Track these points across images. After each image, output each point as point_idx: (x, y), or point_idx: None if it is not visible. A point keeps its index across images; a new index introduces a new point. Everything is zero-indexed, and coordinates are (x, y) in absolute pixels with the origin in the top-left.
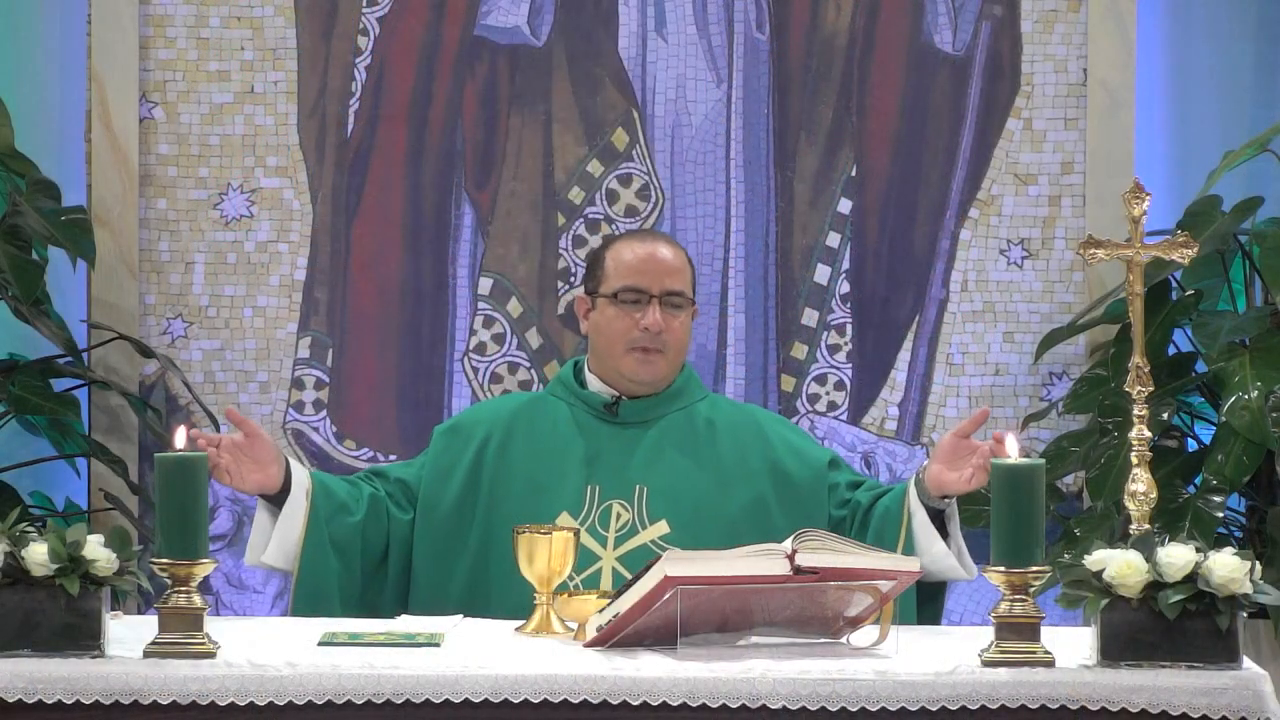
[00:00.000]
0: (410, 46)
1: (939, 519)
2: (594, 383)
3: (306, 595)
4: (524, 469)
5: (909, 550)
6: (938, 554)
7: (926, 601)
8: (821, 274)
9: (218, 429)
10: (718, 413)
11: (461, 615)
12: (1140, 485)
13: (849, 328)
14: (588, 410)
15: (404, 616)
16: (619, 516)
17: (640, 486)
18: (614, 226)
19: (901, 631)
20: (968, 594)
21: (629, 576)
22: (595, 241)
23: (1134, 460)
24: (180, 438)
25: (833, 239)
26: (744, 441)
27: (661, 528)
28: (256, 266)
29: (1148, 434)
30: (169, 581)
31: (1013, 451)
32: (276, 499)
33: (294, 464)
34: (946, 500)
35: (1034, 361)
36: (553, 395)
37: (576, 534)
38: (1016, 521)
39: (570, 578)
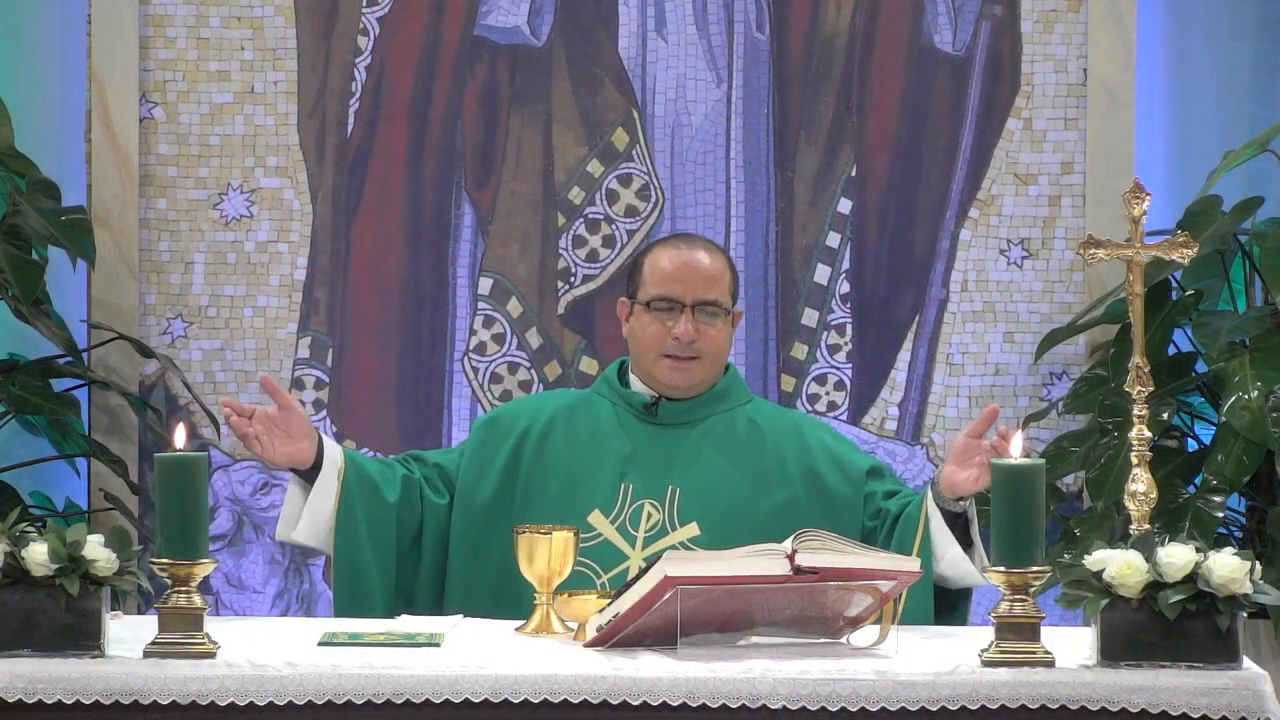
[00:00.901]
0: (410, 46)
1: (961, 523)
2: (635, 383)
3: (344, 576)
4: (562, 464)
5: (925, 555)
6: (954, 558)
7: (946, 611)
8: (821, 274)
9: (218, 429)
10: (760, 416)
11: (462, 615)
12: (1140, 485)
13: (849, 328)
14: (630, 410)
15: (404, 616)
16: (650, 516)
17: (673, 487)
18: (614, 226)
19: (901, 631)
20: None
21: None
22: (595, 241)
23: (1134, 460)
24: (180, 437)
25: (833, 239)
26: (783, 445)
27: (692, 530)
28: (256, 266)
29: (1148, 434)
30: (169, 581)
31: (1016, 450)
32: (308, 475)
33: (327, 441)
34: (963, 502)
35: (1034, 361)
36: (597, 394)
37: (576, 534)
38: (1016, 521)
39: (596, 575)
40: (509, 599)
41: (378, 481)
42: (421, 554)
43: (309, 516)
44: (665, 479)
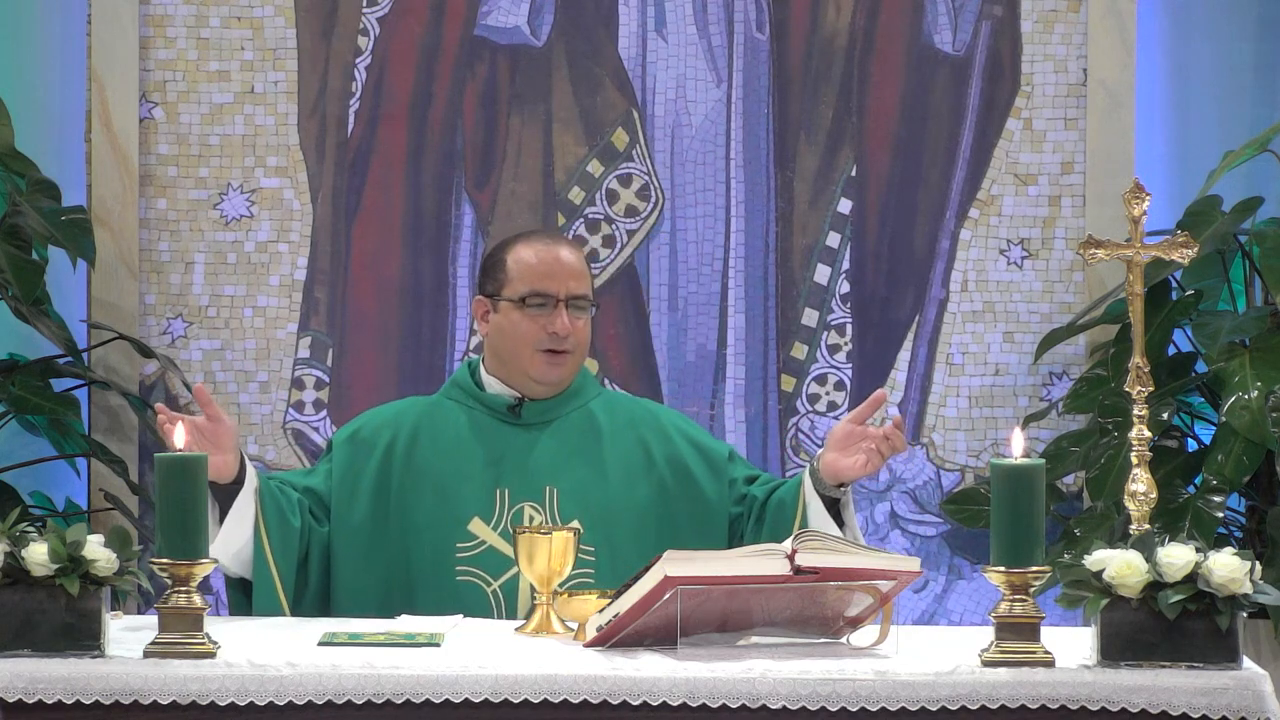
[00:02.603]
0: (410, 46)
1: (835, 508)
2: (493, 385)
3: (250, 599)
4: (431, 474)
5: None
6: None
7: None
8: (821, 274)
9: None
10: (615, 409)
11: (461, 615)
12: (1140, 485)
13: (849, 328)
14: (488, 413)
15: (404, 616)
16: (531, 519)
17: (550, 488)
18: (614, 226)
19: (901, 631)
20: (968, 594)
21: None
22: (595, 241)
23: (1134, 460)
24: (180, 436)
25: (833, 239)
26: (643, 435)
27: (574, 528)
28: (256, 266)
29: (1148, 434)
30: (169, 581)
31: (1017, 450)
32: (219, 491)
33: (247, 460)
34: (843, 489)
35: (1034, 361)
36: (449, 399)
37: (577, 534)
38: (1016, 521)
39: (486, 584)
40: (397, 609)
41: (283, 506)
42: (308, 577)
43: (225, 535)
44: (540, 480)
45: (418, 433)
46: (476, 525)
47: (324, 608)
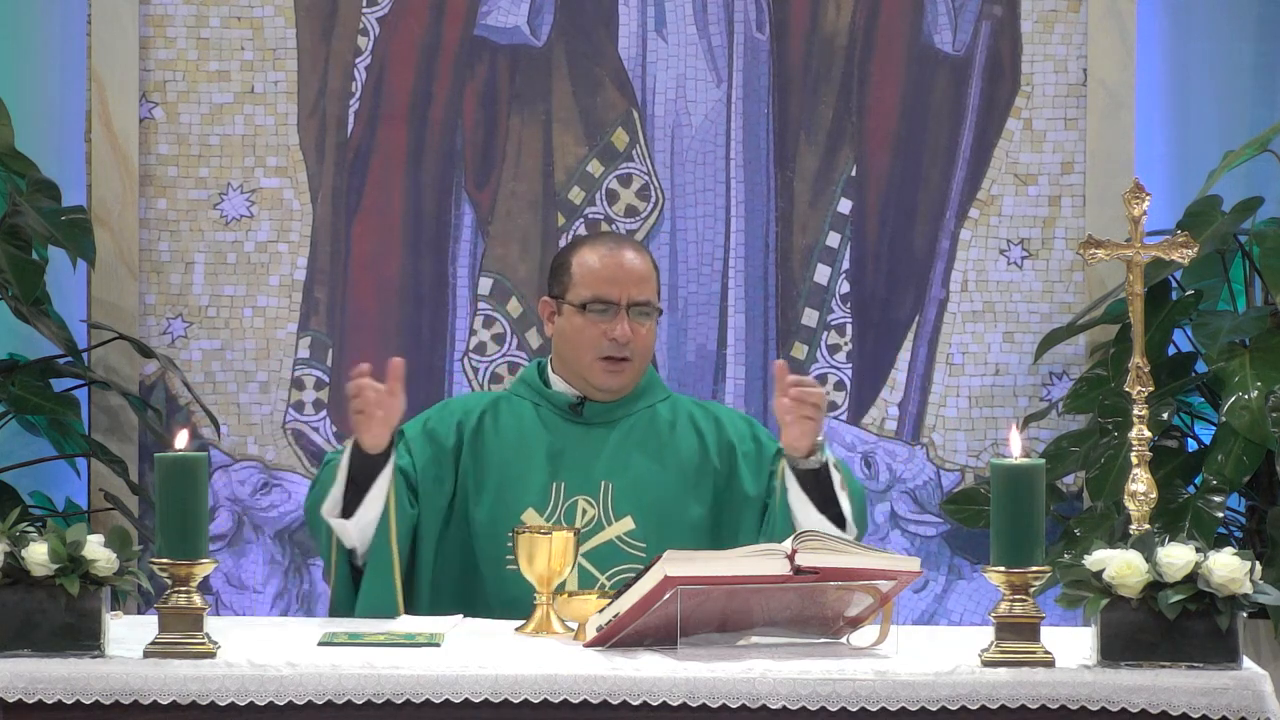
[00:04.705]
0: (410, 46)
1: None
2: (558, 383)
3: (372, 572)
4: (493, 464)
5: (786, 522)
6: (815, 523)
7: None
8: (821, 274)
9: (218, 429)
10: (679, 412)
11: (461, 615)
12: (1140, 485)
13: (849, 328)
14: (553, 409)
15: (404, 616)
16: (584, 513)
17: (606, 483)
18: (614, 227)
19: (901, 631)
20: (968, 594)
21: (595, 572)
22: None
23: (1134, 460)
24: (182, 439)
25: (833, 239)
26: (703, 435)
27: (627, 524)
28: (256, 266)
29: (1148, 434)
30: (169, 581)
31: (1016, 450)
32: (360, 461)
33: (395, 439)
34: (814, 459)
35: (1034, 361)
36: (516, 395)
37: (576, 534)
38: (1016, 521)
39: None
40: (475, 602)
41: (402, 495)
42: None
43: (365, 510)
44: (597, 476)
45: (482, 424)
46: (530, 516)
47: (405, 590)
